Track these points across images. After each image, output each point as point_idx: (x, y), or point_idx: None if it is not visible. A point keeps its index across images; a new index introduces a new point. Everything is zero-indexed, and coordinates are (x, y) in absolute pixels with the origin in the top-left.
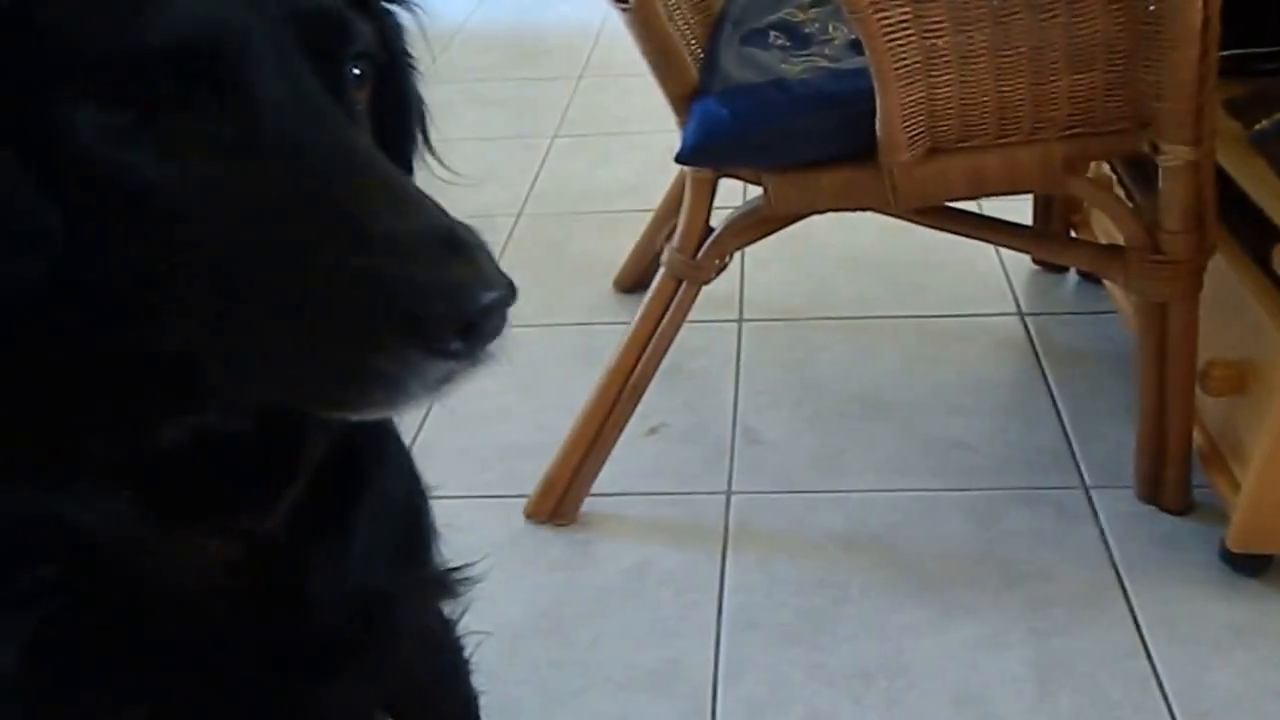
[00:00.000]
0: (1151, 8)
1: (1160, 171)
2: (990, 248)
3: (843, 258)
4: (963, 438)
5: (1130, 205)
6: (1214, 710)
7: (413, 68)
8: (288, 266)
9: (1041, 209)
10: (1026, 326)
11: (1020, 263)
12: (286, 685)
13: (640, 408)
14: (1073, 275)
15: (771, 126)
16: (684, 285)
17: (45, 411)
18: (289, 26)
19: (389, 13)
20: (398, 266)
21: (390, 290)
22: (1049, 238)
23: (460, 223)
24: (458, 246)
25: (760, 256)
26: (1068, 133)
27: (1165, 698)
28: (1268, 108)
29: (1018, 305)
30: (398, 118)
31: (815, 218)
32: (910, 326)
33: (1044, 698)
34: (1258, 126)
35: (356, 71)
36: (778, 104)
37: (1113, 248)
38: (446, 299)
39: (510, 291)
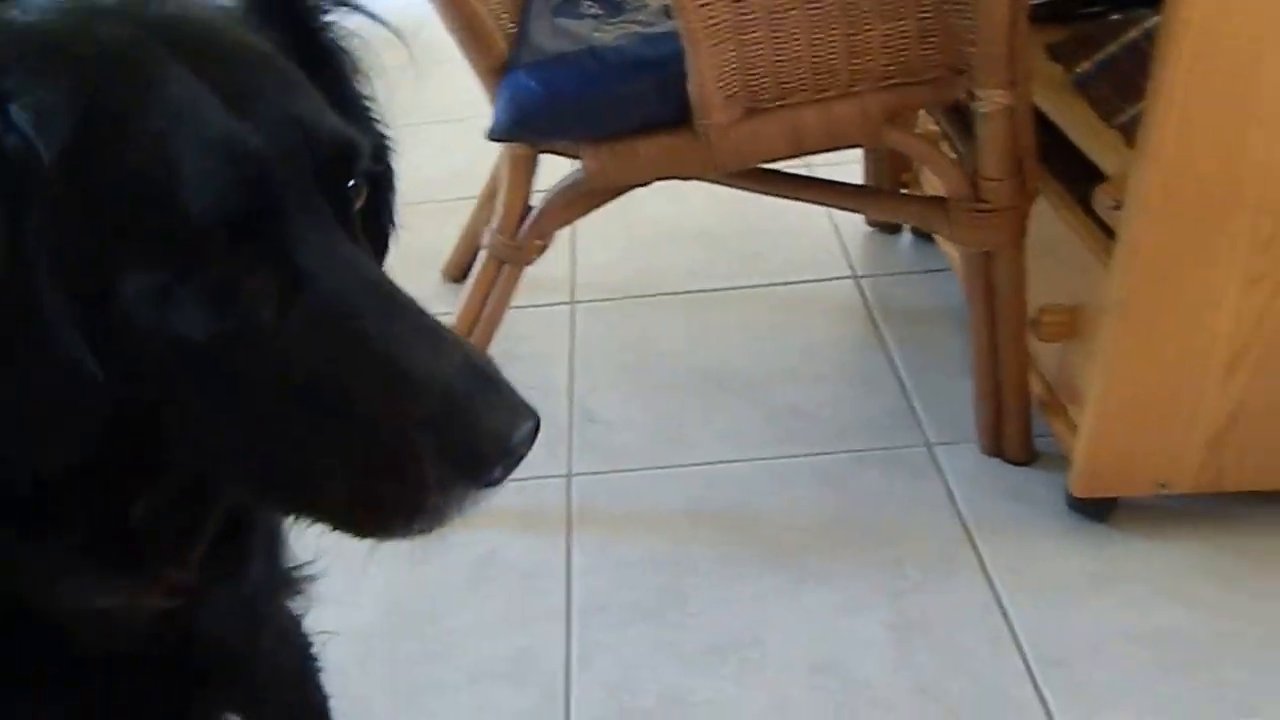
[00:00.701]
0: None
1: (977, 118)
2: (823, 212)
3: (674, 231)
4: (805, 404)
5: (952, 156)
6: (1068, 658)
7: (390, 148)
8: (340, 416)
9: (872, 167)
10: (862, 289)
11: (854, 225)
12: (171, 694)
13: None
14: (906, 234)
15: (584, 96)
16: (506, 268)
17: (54, 513)
18: (308, 163)
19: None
20: (447, 415)
21: (443, 440)
22: (874, 195)
23: (478, 352)
24: (488, 382)
25: (590, 235)
26: (884, 84)
27: (1020, 649)
28: (1089, 50)
29: (852, 268)
30: (380, 198)
31: (644, 191)
32: (746, 297)
33: (901, 658)
34: (1079, 69)
35: (353, 183)
36: (590, 72)
37: (936, 200)
38: (493, 442)
39: (538, 421)
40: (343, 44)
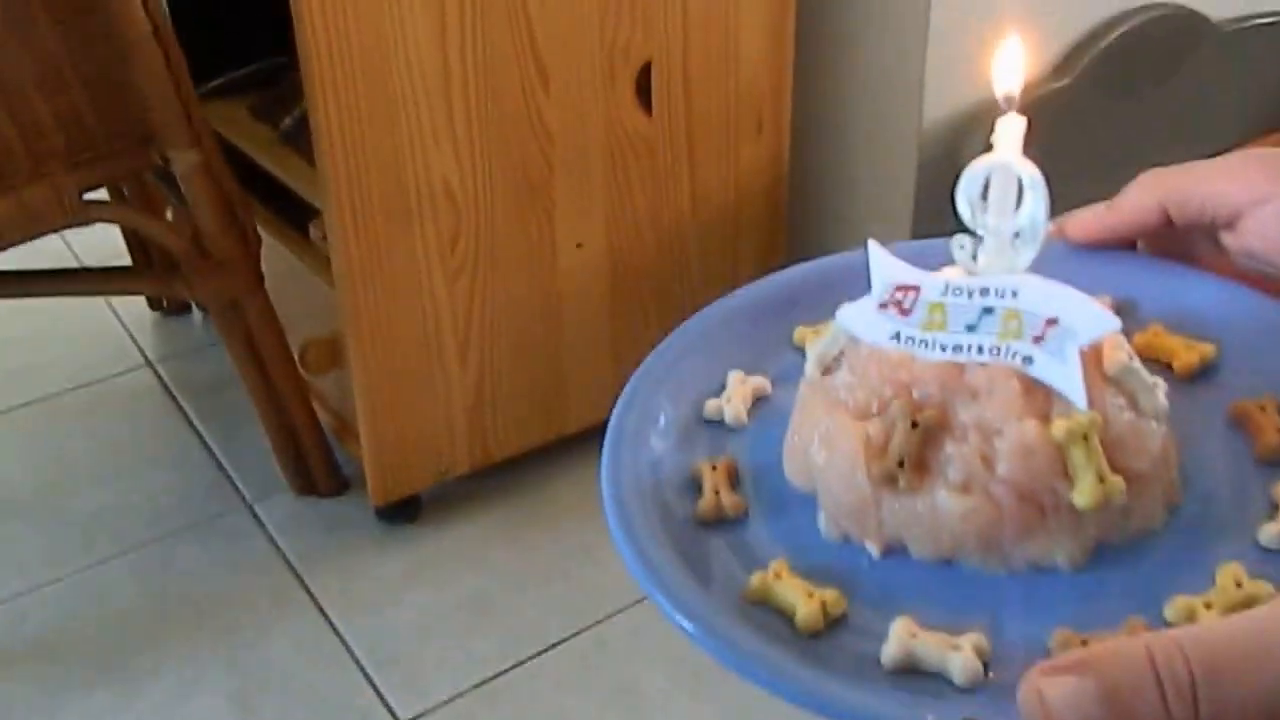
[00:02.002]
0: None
1: (179, 179)
2: (101, 307)
3: None
4: (114, 504)
5: (173, 220)
6: (399, 653)
7: None
8: None
9: (138, 244)
10: (159, 374)
11: (139, 313)
12: None
13: None
14: (197, 313)
15: None
16: None
17: None
18: None
19: None
20: None
21: None
22: (106, 275)
23: None
24: None
25: None
26: (73, 161)
27: (357, 662)
28: (287, 106)
29: (145, 356)
30: None
31: None
32: (27, 415)
33: (246, 716)
34: (283, 125)
35: None
36: None
37: (170, 266)
38: None
39: None
40: None
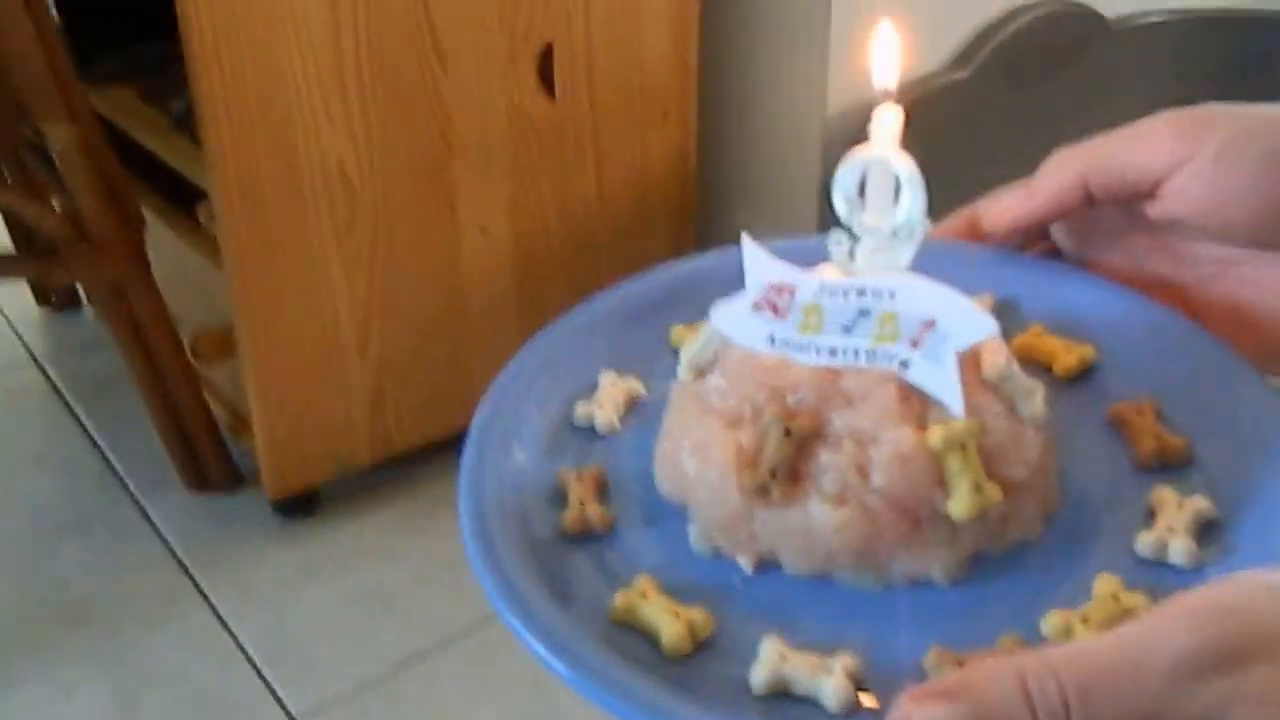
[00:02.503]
0: None
1: (55, 157)
2: None
3: None
4: None
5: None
6: (293, 647)
7: None
8: None
9: (23, 235)
10: (45, 372)
11: (25, 309)
12: None
13: None
14: (87, 308)
15: None
16: None
17: None
18: None
19: None
20: None
21: None
22: None
23: None
24: None
25: None
26: None
27: (249, 658)
28: (179, 91)
29: (30, 353)
30: None
31: None
32: None
33: (130, 715)
34: (175, 110)
35: None
36: None
37: (48, 249)
38: None
39: None
40: None
